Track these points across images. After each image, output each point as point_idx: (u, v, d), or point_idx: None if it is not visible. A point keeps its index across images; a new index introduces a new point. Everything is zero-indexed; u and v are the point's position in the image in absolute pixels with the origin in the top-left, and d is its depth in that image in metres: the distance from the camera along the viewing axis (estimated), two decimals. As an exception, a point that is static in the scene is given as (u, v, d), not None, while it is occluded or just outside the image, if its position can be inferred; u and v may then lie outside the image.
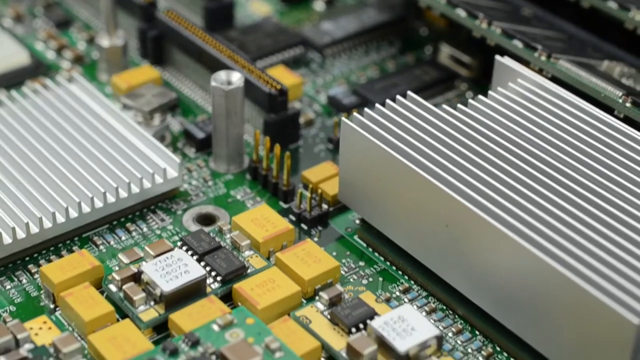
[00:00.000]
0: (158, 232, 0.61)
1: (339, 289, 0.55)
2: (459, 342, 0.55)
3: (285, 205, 0.63)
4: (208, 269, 0.56)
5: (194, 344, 0.51)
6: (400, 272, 0.59)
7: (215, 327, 0.52)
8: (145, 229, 0.61)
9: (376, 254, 0.60)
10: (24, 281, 0.58)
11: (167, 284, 0.54)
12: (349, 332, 0.53)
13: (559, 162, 0.56)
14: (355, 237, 0.61)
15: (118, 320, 0.54)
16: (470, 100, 0.60)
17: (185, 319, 0.53)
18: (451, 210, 0.54)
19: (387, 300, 0.57)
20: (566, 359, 0.51)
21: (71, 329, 0.54)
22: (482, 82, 0.72)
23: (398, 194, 0.57)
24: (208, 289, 0.56)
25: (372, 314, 0.54)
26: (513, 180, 0.55)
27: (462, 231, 0.54)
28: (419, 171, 0.55)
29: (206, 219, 0.62)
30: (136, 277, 0.55)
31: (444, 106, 0.60)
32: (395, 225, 0.58)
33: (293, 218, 0.62)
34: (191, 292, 0.55)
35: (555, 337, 0.51)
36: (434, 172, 0.55)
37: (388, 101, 0.60)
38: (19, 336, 0.52)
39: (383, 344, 0.52)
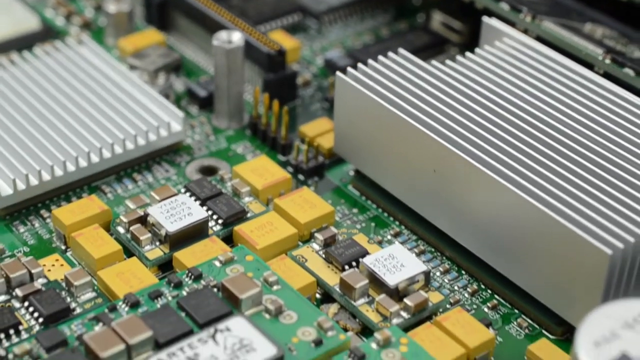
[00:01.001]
0: (163, 181, 0.64)
1: (333, 231, 0.59)
2: (446, 280, 0.58)
3: (283, 158, 0.67)
4: (210, 212, 0.60)
5: (197, 277, 0.54)
6: (391, 218, 0.62)
7: (217, 263, 0.55)
8: (150, 179, 0.65)
9: (369, 202, 0.63)
10: (37, 225, 0.61)
11: (172, 225, 0.58)
12: (342, 269, 0.57)
13: (539, 112, 0.59)
14: (350, 186, 0.65)
15: (125, 259, 0.58)
16: (459, 57, 0.64)
17: (188, 256, 0.57)
18: (438, 156, 0.57)
19: (379, 243, 0.60)
20: (545, 292, 0.55)
21: (82, 267, 0.58)
22: (471, 47, 0.76)
23: (390, 143, 0.60)
24: (210, 231, 0.59)
25: (364, 253, 0.57)
26: (496, 128, 0.58)
27: (449, 175, 0.57)
28: (408, 120, 0.59)
29: (208, 170, 0.66)
30: (142, 220, 0.59)
31: (433, 62, 0.63)
32: (387, 173, 0.61)
33: (291, 170, 0.66)
34: (194, 233, 0.58)
35: (535, 272, 0.55)
36: (423, 121, 0.59)
37: (380, 57, 0.63)
38: (33, 271, 0.55)
39: (374, 279, 0.55)
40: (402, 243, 0.60)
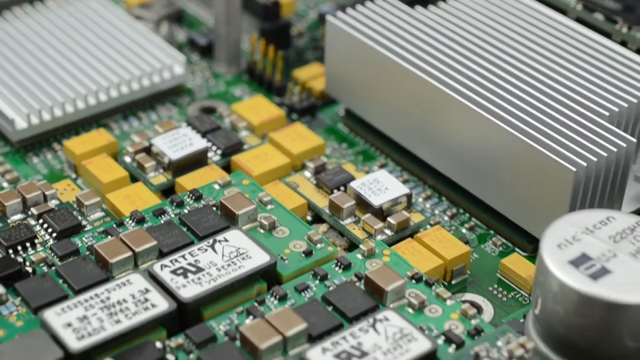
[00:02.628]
0: (166, 119, 0.69)
1: (323, 160, 0.63)
2: (427, 205, 0.63)
3: (278, 100, 0.71)
4: (209, 144, 0.65)
5: (197, 198, 0.59)
6: (378, 152, 0.67)
7: (216, 186, 0.60)
8: (154, 117, 0.69)
9: (357, 138, 0.68)
10: (49, 157, 0.66)
11: (174, 153, 0.63)
12: (331, 192, 0.61)
13: (512, 50, 0.64)
14: (340, 125, 0.70)
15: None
16: (441, 3, 0.69)
17: (189, 182, 0.62)
18: (419, 90, 0.62)
19: (366, 172, 0.65)
20: (517, 212, 0.59)
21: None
22: None
23: (376, 81, 0.65)
24: (209, 161, 0.64)
25: (352, 179, 0.62)
26: (472, 63, 0.63)
27: (429, 108, 0.62)
28: (393, 58, 0.63)
29: (208, 110, 0.70)
30: (147, 149, 0.64)
31: (417, 7, 0.68)
32: (374, 110, 0.66)
33: (285, 110, 0.70)
34: (195, 162, 0.63)
35: (507, 193, 0.59)
36: (405, 58, 0.63)
37: (368, 2, 0.68)
38: (47, 193, 0.60)
39: (360, 201, 0.60)
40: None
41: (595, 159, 0.56)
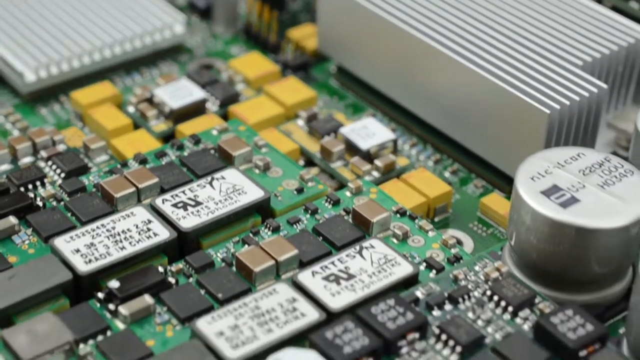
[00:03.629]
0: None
1: (315, 110, 0.67)
2: (413, 152, 0.67)
3: (272, 58, 0.75)
4: (208, 94, 0.68)
5: (196, 142, 0.63)
6: (367, 104, 0.71)
7: (214, 132, 0.64)
8: (155, 73, 0.73)
9: (348, 92, 0.72)
10: (56, 108, 0.70)
11: (175, 102, 0.66)
12: (322, 138, 0.65)
13: (493, 4, 0.68)
14: (331, 80, 0.73)
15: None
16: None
17: (189, 128, 0.66)
18: (405, 42, 0.66)
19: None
20: (496, 155, 0.63)
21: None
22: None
23: (366, 37, 0.69)
24: (208, 112, 0.68)
25: (342, 125, 0.66)
26: (454, 17, 0.67)
27: (415, 59, 0.66)
28: (381, 14, 0.67)
29: (207, 67, 0.74)
30: (149, 100, 0.68)
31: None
32: (364, 64, 0.70)
33: (279, 66, 0.74)
34: (194, 111, 0.67)
35: (488, 138, 0.63)
36: (393, 14, 0.67)
37: (358, -37, 0.72)
38: (55, 138, 0.64)
39: (349, 146, 0.64)
40: (376, 123, 0.69)
41: (568, 103, 0.60)
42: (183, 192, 0.58)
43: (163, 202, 0.57)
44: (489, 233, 0.61)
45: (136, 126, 0.67)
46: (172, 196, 0.58)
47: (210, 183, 0.59)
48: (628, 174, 0.55)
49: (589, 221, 0.53)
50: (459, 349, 0.50)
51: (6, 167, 0.62)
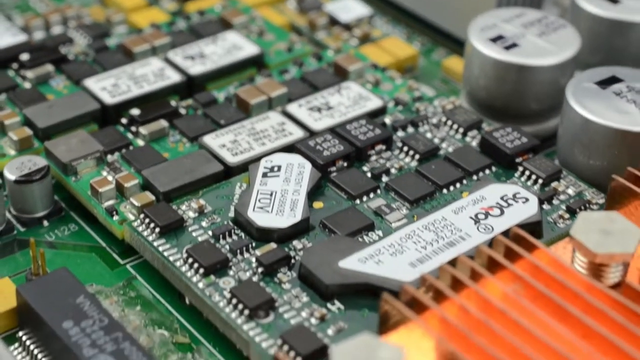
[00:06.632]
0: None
1: (303, -7, 0.79)
2: (386, 28, 0.78)
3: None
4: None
5: (201, 14, 0.74)
6: (348, -8, 0.82)
7: (217, 7, 0.75)
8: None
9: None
10: (80, -6, 0.81)
11: (183, -15, 0.78)
12: (307, 13, 0.76)
13: None
14: (318, -25, 0.85)
15: None
16: None
17: (195, 5, 0.77)
18: None
19: (338, 5, 0.80)
20: (459, 25, 0.74)
21: None
22: None
23: None
24: (211, -5, 0.79)
25: (324, 4, 0.77)
26: None
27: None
28: None
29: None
30: (161, -16, 0.79)
31: None
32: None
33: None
34: (199, -7, 0.78)
35: (450, 10, 0.74)
36: None
37: None
38: (81, 12, 0.75)
39: (332, 20, 0.75)
40: (356, 7, 0.80)
41: (515, -25, 0.71)
42: (190, 47, 0.69)
43: (175, 54, 0.68)
44: (449, 89, 0.72)
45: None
46: (182, 50, 0.69)
47: (214, 42, 0.70)
48: (562, 27, 0.66)
49: (527, 60, 0.64)
50: (417, 157, 0.61)
51: (41, 34, 0.73)
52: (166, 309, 0.55)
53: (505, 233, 0.53)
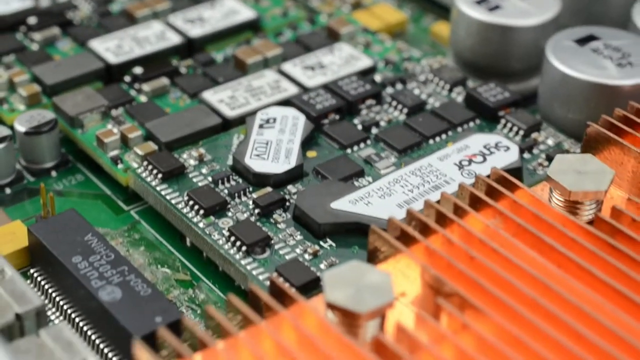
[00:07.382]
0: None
1: (297, -37, 0.82)
2: (378, -2, 0.82)
3: None
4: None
5: (201, -18, 0.77)
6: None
7: (214, -24, 0.78)
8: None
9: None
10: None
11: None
12: (303, -17, 0.80)
13: None
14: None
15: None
16: None
17: (194, -25, 0.80)
18: None
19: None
20: (444, -8, 0.78)
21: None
22: None
23: None
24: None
25: (319, -26, 0.80)
26: None
27: None
28: None
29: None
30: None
31: None
32: None
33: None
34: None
35: (438, -21, 0.78)
36: None
37: None
38: (85, -20, 0.78)
39: (325, -12, 0.79)
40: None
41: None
42: (191, 12, 0.73)
43: (175, 18, 0.72)
44: (437, 52, 0.76)
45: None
46: (182, 14, 0.72)
47: (213, 7, 0.73)
48: (543, -10, 0.70)
49: (509, 21, 0.67)
50: (405, 110, 0.64)
51: (47, 1, 0.76)
52: (168, 249, 0.58)
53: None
